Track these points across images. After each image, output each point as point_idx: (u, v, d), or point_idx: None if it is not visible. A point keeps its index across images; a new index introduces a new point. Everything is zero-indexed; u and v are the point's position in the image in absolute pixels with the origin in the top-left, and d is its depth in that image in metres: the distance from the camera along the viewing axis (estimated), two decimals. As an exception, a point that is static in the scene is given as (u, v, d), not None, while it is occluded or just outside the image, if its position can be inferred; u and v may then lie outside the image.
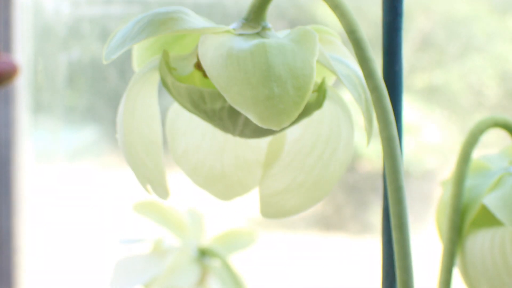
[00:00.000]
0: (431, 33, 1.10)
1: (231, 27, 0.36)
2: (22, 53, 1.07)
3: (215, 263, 0.63)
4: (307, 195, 0.38)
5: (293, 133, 0.38)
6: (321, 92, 0.36)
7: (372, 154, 1.11)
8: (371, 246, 1.11)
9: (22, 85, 1.07)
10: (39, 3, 1.08)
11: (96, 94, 1.10)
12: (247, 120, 0.34)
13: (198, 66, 0.36)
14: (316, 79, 0.37)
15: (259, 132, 0.35)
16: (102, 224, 1.15)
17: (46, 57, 1.10)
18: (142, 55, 0.38)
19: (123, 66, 1.09)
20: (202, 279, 0.63)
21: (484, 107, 1.10)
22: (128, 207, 0.64)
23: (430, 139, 1.13)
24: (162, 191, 0.37)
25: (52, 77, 1.10)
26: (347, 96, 0.37)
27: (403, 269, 0.35)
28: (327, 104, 0.37)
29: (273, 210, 0.38)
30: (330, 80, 0.39)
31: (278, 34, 0.36)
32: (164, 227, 0.64)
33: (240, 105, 0.31)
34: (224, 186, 0.40)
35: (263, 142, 0.40)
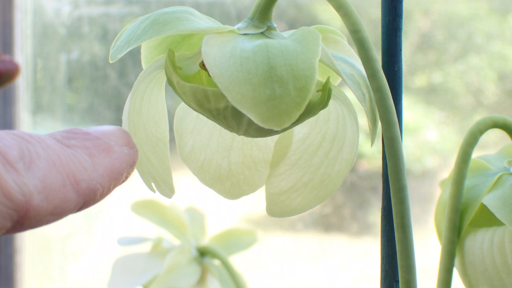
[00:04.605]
0: (430, 33, 1.10)
1: (235, 27, 0.36)
2: (22, 53, 1.07)
3: (215, 263, 0.63)
4: (312, 194, 0.38)
5: (300, 132, 0.39)
6: (325, 92, 0.36)
7: (371, 154, 1.11)
8: (371, 246, 1.11)
9: (22, 85, 1.07)
10: (39, 3, 1.08)
11: (96, 94, 1.10)
12: (251, 120, 0.34)
13: (204, 65, 0.36)
14: (321, 78, 0.37)
15: (264, 132, 0.35)
16: (102, 223, 1.15)
17: (46, 57, 1.10)
18: (150, 54, 0.38)
19: (123, 66, 1.09)
20: (202, 279, 0.63)
21: (483, 107, 1.10)
22: (128, 207, 0.64)
23: (429, 139, 1.13)
24: (167, 189, 0.37)
25: (52, 77, 1.10)
26: (350, 95, 0.38)
27: (405, 268, 0.35)
28: (332, 103, 0.38)
29: (279, 209, 0.38)
30: (337, 80, 0.39)
31: (283, 34, 0.36)
32: (163, 226, 0.64)
33: (241, 105, 0.31)
34: (230, 185, 0.40)
35: (270, 141, 0.40)
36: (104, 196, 0.32)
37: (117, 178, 0.32)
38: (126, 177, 0.33)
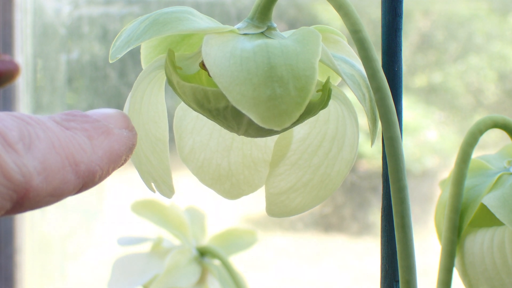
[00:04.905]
0: (430, 33, 1.10)
1: (236, 26, 0.36)
2: (22, 53, 1.07)
3: (215, 263, 0.63)
4: (312, 194, 0.38)
5: (300, 132, 0.39)
6: (325, 92, 0.36)
7: (371, 154, 1.11)
8: (371, 246, 1.11)
9: (22, 85, 1.07)
10: (39, 3, 1.08)
11: (96, 94, 1.10)
12: (251, 120, 0.34)
13: (204, 65, 0.36)
14: (321, 78, 0.37)
15: (264, 132, 0.35)
16: (102, 223, 1.15)
17: (46, 57, 1.10)
18: (149, 54, 0.38)
19: (123, 66, 1.09)
20: (202, 279, 0.63)
21: (483, 107, 1.10)
22: (128, 207, 0.64)
23: (429, 139, 1.13)
24: (167, 189, 0.37)
25: (52, 77, 1.10)
26: (350, 95, 0.38)
27: (405, 268, 0.35)
28: (332, 103, 0.38)
29: (278, 209, 0.38)
30: (337, 80, 0.39)
31: (283, 34, 0.36)
32: (163, 226, 0.64)
33: (241, 105, 0.31)
34: (230, 185, 0.40)
35: (270, 141, 0.40)
36: (103, 178, 0.32)
37: (116, 160, 0.33)
38: (125, 160, 0.33)
